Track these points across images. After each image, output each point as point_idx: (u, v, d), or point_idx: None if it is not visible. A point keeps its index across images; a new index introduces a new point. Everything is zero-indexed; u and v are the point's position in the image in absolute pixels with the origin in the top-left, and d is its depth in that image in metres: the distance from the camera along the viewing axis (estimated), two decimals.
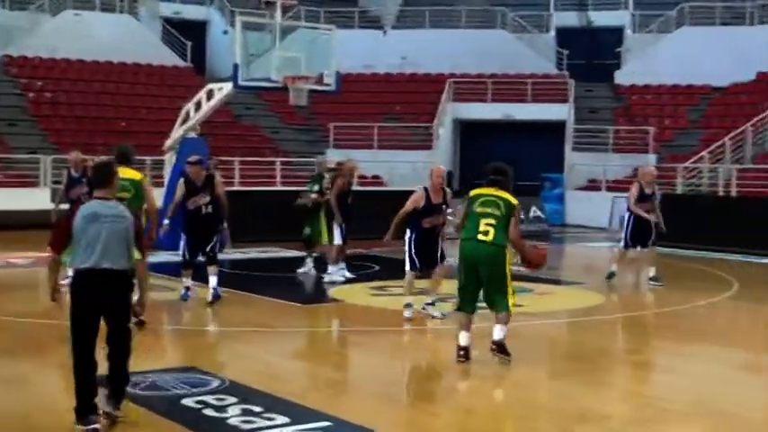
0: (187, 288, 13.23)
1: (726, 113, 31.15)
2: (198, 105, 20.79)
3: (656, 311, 12.85)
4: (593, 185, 29.05)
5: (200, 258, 13.12)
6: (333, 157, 30.57)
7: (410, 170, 29.29)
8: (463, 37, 34.97)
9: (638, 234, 15.29)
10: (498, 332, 9.58)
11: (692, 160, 27.37)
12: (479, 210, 9.58)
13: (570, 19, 36.46)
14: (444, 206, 12.02)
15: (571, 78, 33.08)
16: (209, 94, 20.63)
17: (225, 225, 13.32)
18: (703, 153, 27.27)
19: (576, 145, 30.85)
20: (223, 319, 12.46)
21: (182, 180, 13.23)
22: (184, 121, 21.04)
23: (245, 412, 7.55)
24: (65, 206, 13.82)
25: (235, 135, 30.14)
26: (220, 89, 20.39)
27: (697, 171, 27.08)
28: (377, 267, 17.23)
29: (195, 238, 13.04)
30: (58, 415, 7.54)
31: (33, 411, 7.75)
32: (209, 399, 7.91)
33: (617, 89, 33.96)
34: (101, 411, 7.13)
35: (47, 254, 7.45)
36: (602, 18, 36.27)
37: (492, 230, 9.47)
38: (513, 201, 9.67)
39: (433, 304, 12.21)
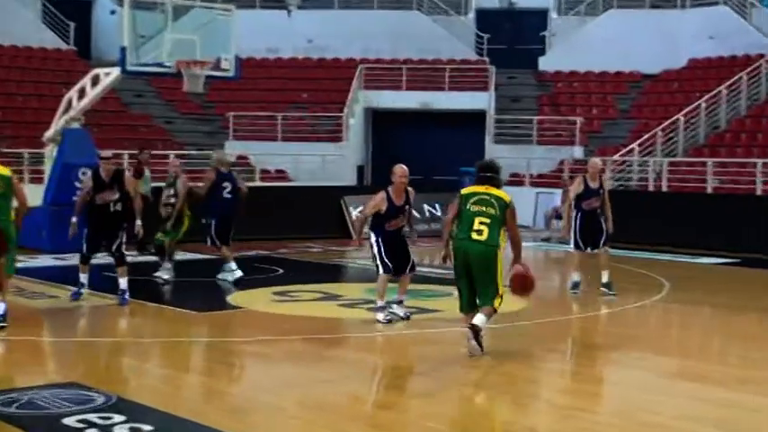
0: (82, 284, 13.60)
1: (657, 103, 31.78)
2: (82, 92, 20.49)
3: (582, 316, 13.04)
4: (515, 180, 29.33)
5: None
6: (234, 150, 30.57)
7: (318, 164, 29.32)
8: (376, 19, 35.02)
9: (587, 233, 15.01)
10: (480, 318, 10.17)
11: (621, 153, 27.83)
12: (474, 209, 10.21)
13: (491, 0, 36.77)
14: (407, 207, 12.41)
15: (492, 65, 33.36)
16: (95, 80, 20.36)
17: (139, 223, 13.69)
18: (633, 145, 27.74)
19: (497, 136, 31.16)
20: (111, 329, 12.31)
21: (89, 174, 13.75)
22: (66, 109, 20.72)
23: (133, 431, 7.46)
24: None
25: (124, 125, 29.78)
26: (107, 74, 20.14)
27: (626, 164, 27.55)
28: (280, 271, 17.19)
29: (97, 234, 13.49)
30: None
31: None
32: (93, 417, 7.79)
33: (541, 76, 34.36)
34: None
35: None
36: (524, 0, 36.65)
37: (486, 230, 10.15)
38: (507, 198, 10.40)
39: (400, 303, 12.64)
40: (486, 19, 36.73)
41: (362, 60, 33.70)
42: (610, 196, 15.00)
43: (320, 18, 35.41)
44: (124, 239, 13.61)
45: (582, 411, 8.65)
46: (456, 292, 10.76)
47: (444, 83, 32.59)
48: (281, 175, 29.23)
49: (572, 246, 15.30)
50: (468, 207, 10.29)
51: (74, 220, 13.46)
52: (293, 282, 15.68)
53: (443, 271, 16.10)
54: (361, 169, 31.92)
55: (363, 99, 32.74)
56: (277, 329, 12.23)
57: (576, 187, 15.17)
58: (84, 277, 13.66)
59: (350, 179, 30.01)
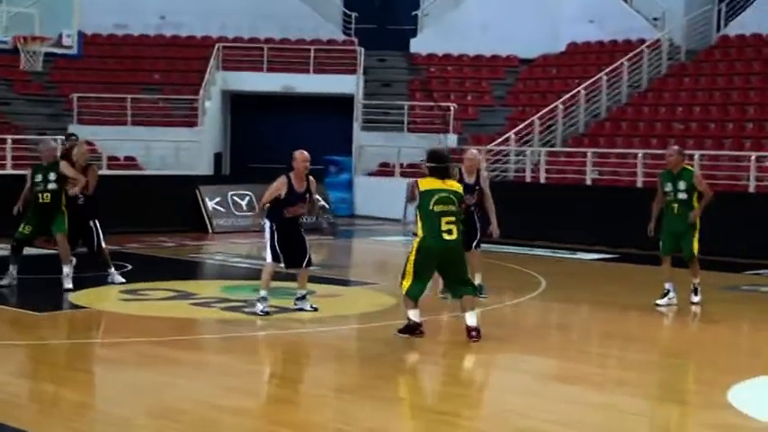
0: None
1: (535, 89, 32.29)
2: None
3: (455, 315, 13.14)
4: (385, 170, 29.52)
5: None
6: (79, 135, 30.01)
7: (172, 150, 29.07)
8: None
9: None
10: (472, 318, 11.42)
11: (497, 142, 28.17)
12: (438, 209, 11.14)
13: None
14: (308, 194, 12.89)
15: (360, 46, 33.45)
16: None
17: None
18: (510, 134, 28.10)
19: (365, 123, 31.30)
20: None
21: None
22: None
23: None
24: None
25: None
26: None
27: (503, 154, 27.90)
28: (129, 267, 16.97)
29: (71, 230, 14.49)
30: None
31: None
32: None
33: (413, 59, 34.59)
34: None
35: None
36: None
37: (454, 228, 11.22)
38: (460, 189, 11.59)
39: (304, 298, 13.14)
40: None
41: (220, 39, 33.44)
42: (492, 191, 14.76)
43: None
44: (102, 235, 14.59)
45: (452, 416, 8.74)
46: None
47: (309, 65, 32.56)
48: (130, 162, 28.85)
49: None
50: (431, 207, 11.15)
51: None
52: (143, 279, 15.48)
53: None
54: (218, 157, 31.71)
55: (221, 81, 32.49)
56: (125, 331, 12.08)
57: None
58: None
59: (206, 168, 29.79)
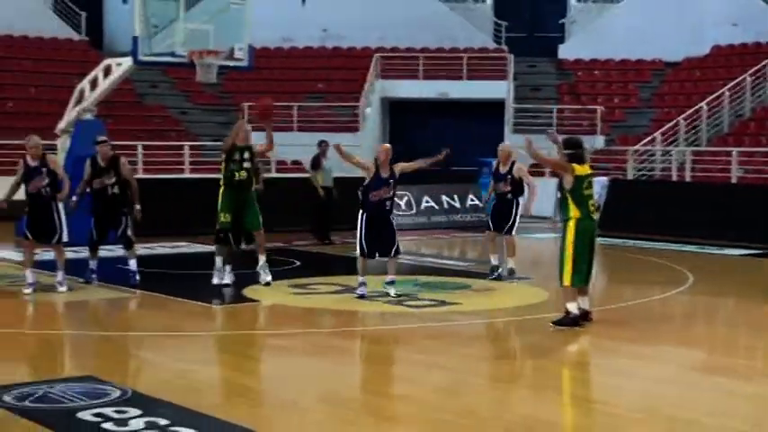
0: (92, 271, 14.33)
1: (679, 91, 31.63)
2: (94, 83, 20.51)
3: (604, 308, 12.96)
4: (536, 170, 29.21)
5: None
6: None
7: (334, 154, 29.21)
8: (392, 7, 34.88)
9: (497, 216, 15.52)
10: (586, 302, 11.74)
11: (643, 142, 27.73)
12: (587, 192, 11.46)
13: None
14: (392, 181, 13.50)
15: (511, 53, 33.27)
16: (107, 71, 20.38)
17: (137, 207, 14.22)
18: (655, 134, 27.64)
19: (516, 126, 31.06)
20: (126, 322, 12.35)
21: (88, 160, 14.45)
22: (79, 100, 20.75)
23: (150, 426, 7.46)
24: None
25: (138, 116, 29.85)
26: (119, 65, 20.15)
27: (649, 154, 27.44)
28: (297, 263, 17.18)
29: (100, 220, 14.29)
30: None
31: None
32: (109, 411, 7.81)
33: (561, 65, 34.26)
34: None
35: None
36: None
37: (595, 210, 11.70)
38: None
39: (392, 283, 13.54)
40: (504, 6, 36.63)
41: (378, 49, 33.66)
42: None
43: (335, 6, 35.26)
44: (129, 224, 14.29)
45: (604, 405, 8.62)
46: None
47: (462, 72, 32.53)
48: (297, 166, 29.20)
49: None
50: (583, 189, 11.43)
51: (73, 198, 14.04)
52: (311, 274, 15.66)
53: (459, 263, 16.13)
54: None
55: (380, 89, 32.69)
56: (295, 322, 12.24)
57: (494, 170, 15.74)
58: (93, 264, 14.40)
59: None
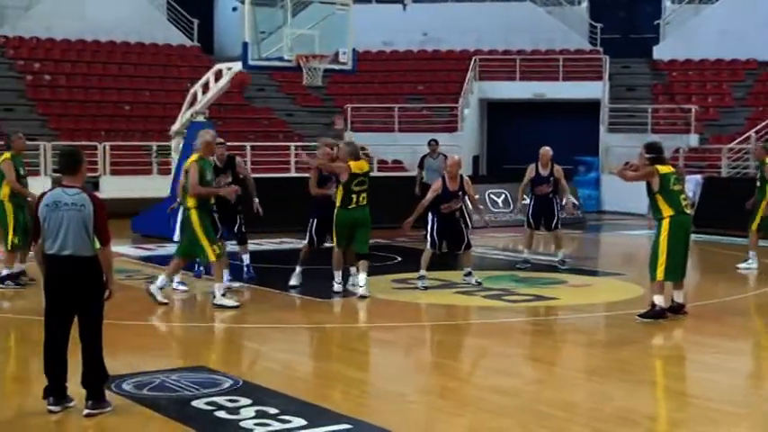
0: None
1: None
2: (206, 87, 20.79)
3: (699, 304, 12.75)
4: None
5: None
6: (358, 141, 30.66)
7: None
8: (489, 11, 34.77)
9: (539, 216, 16.11)
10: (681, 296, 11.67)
11: (737, 141, 27.19)
12: (677, 188, 11.49)
13: None
14: (461, 192, 13.79)
15: (606, 54, 32.84)
16: (218, 75, 20.63)
17: (256, 200, 14.38)
18: (750, 133, 27.08)
19: (611, 126, 30.68)
20: (236, 315, 12.48)
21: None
22: (192, 103, 21.05)
23: (260, 414, 7.55)
24: None
25: (246, 119, 30.19)
26: (229, 69, 20.39)
27: (743, 152, 26.90)
28: (399, 259, 17.21)
29: (219, 217, 13.91)
30: (50, 416, 7.64)
31: (24, 415, 7.76)
32: (221, 400, 7.92)
33: (656, 65, 33.73)
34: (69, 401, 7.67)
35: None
36: None
37: (688, 205, 11.61)
38: None
39: (470, 274, 14.00)
40: (599, 8, 36.19)
41: (476, 52, 33.53)
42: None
43: (435, 11, 35.32)
44: (244, 221, 14.32)
45: (704, 400, 8.46)
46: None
47: (558, 73, 32.23)
48: (397, 165, 29.28)
49: (525, 225, 16.48)
50: (671, 186, 11.40)
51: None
52: (412, 269, 15.66)
53: (554, 259, 16.00)
54: (476, 159, 31.79)
55: (478, 90, 32.55)
56: (397, 316, 12.26)
57: (529, 173, 16.10)
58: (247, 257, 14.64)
59: (465, 169, 29.83)
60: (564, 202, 16.11)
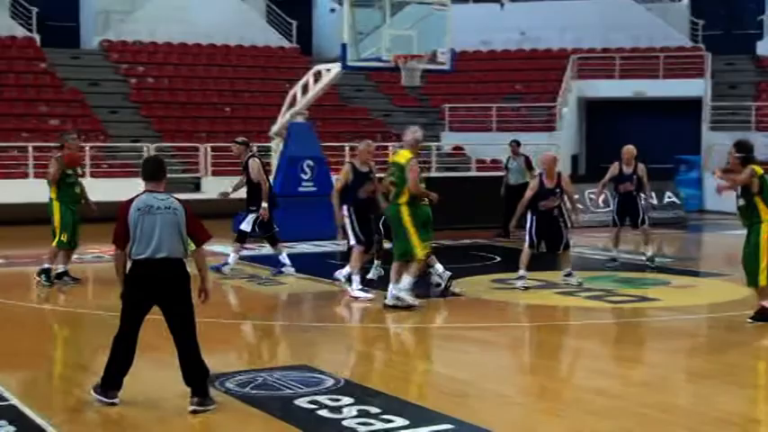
0: (226, 263, 14.82)
1: None
2: (305, 88, 20.95)
3: None
4: None
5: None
6: (450, 141, 30.69)
7: (532, 153, 29.01)
8: (587, 9, 34.40)
9: (623, 213, 16.27)
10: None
11: None
12: None
13: None
14: (558, 190, 13.77)
15: (708, 51, 32.26)
16: (317, 76, 20.77)
17: (264, 205, 14.59)
18: None
19: (714, 124, 30.14)
20: (336, 315, 12.55)
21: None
22: (291, 104, 21.23)
23: (362, 413, 7.57)
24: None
25: (344, 119, 30.34)
26: (328, 70, 20.51)
27: None
28: (498, 259, 17.13)
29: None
30: (156, 413, 7.81)
31: (132, 410, 7.90)
32: (324, 399, 7.96)
33: (760, 61, 33.04)
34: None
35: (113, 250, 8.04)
36: None
37: None
38: None
39: (570, 275, 13.88)
40: (700, 5, 35.59)
41: (575, 50, 33.21)
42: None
43: (532, 10, 35.07)
44: (258, 220, 14.66)
45: None
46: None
47: (658, 71, 31.76)
48: (496, 165, 29.13)
49: (610, 224, 16.78)
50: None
51: (264, 204, 14.56)
52: (511, 269, 15.57)
53: (657, 259, 15.76)
54: (574, 158, 31.51)
55: (576, 89, 32.23)
56: (497, 316, 12.21)
57: (611, 171, 16.28)
58: (233, 257, 14.97)
59: (564, 168, 29.57)
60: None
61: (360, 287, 12.88)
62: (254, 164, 14.85)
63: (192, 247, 7.92)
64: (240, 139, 15.50)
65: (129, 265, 7.88)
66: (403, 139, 12.78)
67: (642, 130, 30.37)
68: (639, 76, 31.76)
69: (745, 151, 11.26)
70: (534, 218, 13.76)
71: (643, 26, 33.81)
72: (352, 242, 13.17)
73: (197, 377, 7.76)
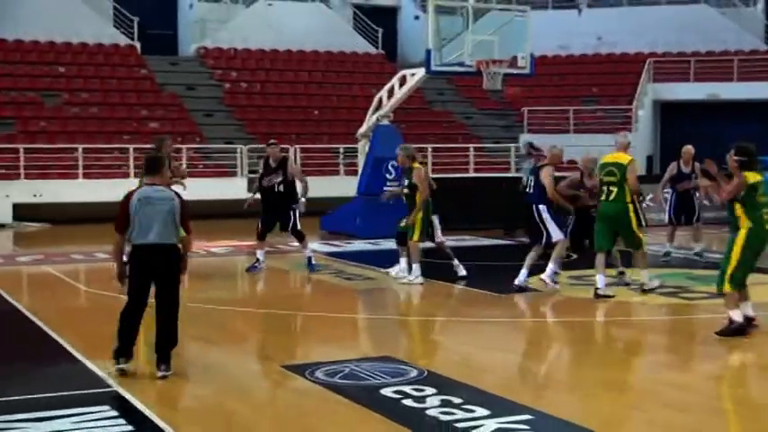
0: (257, 260, 14.78)
1: None
2: (390, 92, 20.99)
3: None
4: None
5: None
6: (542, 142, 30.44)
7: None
8: (662, 13, 34.01)
9: (680, 211, 16.55)
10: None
11: None
12: (763, 199, 10.02)
13: None
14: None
15: None
16: (402, 81, 20.81)
17: (302, 200, 14.61)
18: None
19: None
20: (418, 308, 12.56)
21: (262, 160, 15.11)
22: (377, 108, 21.29)
23: (445, 403, 7.55)
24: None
25: (427, 121, 30.34)
26: (413, 75, 20.54)
27: None
28: (575, 256, 16.95)
29: (268, 215, 14.63)
30: (250, 401, 7.87)
31: (227, 398, 7.98)
32: (408, 389, 7.96)
33: None
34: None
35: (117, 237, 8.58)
36: None
37: None
38: None
39: (622, 273, 13.69)
40: None
41: (651, 54, 32.82)
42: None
43: (609, 15, 34.77)
44: (298, 218, 14.57)
45: None
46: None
47: (733, 74, 31.24)
48: (573, 165, 28.86)
49: (666, 220, 16.96)
50: (757, 197, 10.00)
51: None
52: (587, 266, 15.42)
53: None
54: (650, 159, 31.13)
55: (652, 92, 31.88)
56: (572, 311, 12.11)
57: (670, 171, 16.67)
58: (260, 253, 14.82)
59: (640, 169, 29.23)
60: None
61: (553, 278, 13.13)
62: (293, 162, 15.29)
63: (182, 233, 8.55)
64: (272, 141, 15.39)
65: (126, 249, 8.68)
66: (615, 142, 13.22)
67: (716, 131, 29.83)
68: (713, 79, 31.31)
69: (745, 155, 10.06)
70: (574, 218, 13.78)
71: (717, 30, 33.28)
72: (559, 236, 13.11)
73: (167, 346, 8.41)
